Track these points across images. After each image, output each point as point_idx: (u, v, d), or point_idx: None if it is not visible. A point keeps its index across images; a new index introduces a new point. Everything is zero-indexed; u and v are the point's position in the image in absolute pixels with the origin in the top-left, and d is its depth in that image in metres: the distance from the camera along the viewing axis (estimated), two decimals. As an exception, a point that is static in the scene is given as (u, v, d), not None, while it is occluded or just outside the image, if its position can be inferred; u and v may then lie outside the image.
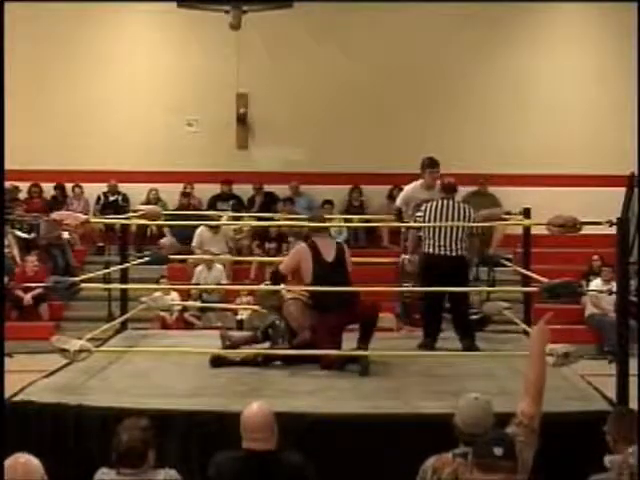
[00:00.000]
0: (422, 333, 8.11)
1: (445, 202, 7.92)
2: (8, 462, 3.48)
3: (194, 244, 13.53)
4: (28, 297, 12.97)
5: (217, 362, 6.99)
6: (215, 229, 13.43)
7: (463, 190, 13.83)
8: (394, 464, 5.32)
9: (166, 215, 11.62)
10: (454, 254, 7.81)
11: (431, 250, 7.84)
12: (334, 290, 6.87)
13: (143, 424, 4.10)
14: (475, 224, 8.09)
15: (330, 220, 7.90)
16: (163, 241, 14.01)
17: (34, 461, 3.50)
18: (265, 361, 7.00)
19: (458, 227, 7.79)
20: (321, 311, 7.01)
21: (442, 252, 7.80)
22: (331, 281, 6.91)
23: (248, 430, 4.22)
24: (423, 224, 7.92)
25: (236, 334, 7.93)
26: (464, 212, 7.93)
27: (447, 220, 7.79)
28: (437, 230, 7.78)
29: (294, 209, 14.34)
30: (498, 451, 3.35)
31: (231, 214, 13.59)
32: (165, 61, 15.44)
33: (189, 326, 12.53)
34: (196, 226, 13.19)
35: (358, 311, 7.04)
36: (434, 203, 7.96)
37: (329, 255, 7.12)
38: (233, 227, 13.87)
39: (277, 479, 4.21)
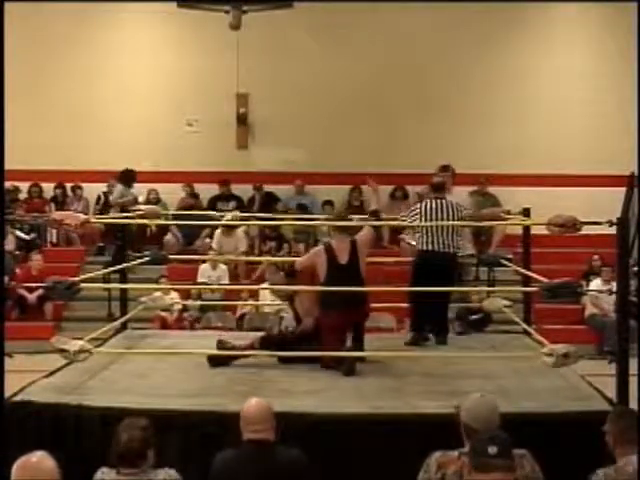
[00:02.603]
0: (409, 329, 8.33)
1: (437, 202, 8.15)
2: (20, 461, 3.44)
3: (214, 246, 13.63)
4: (33, 297, 12.97)
5: (215, 361, 6.99)
6: (229, 231, 13.51)
7: (464, 190, 13.96)
8: (394, 464, 5.32)
9: (169, 215, 11.64)
10: (448, 250, 8.07)
11: (425, 247, 8.07)
12: (343, 290, 6.94)
13: (142, 424, 4.10)
14: (468, 223, 8.32)
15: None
16: (168, 238, 14.10)
17: (46, 461, 3.44)
18: (262, 346, 7.04)
19: (450, 225, 8.04)
20: (331, 311, 7.04)
21: (435, 248, 8.04)
22: (343, 283, 6.99)
23: (247, 422, 4.33)
24: (419, 223, 8.14)
25: (235, 342, 7.78)
26: (455, 210, 8.16)
27: (440, 219, 8.03)
28: (431, 228, 8.00)
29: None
30: (492, 450, 3.34)
31: (236, 214, 13.63)
32: (165, 61, 15.45)
33: (189, 326, 12.54)
34: (201, 226, 13.32)
35: (366, 311, 7.24)
36: (426, 203, 8.22)
37: (343, 257, 7.19)
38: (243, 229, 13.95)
39: (276, 468, 4.26)
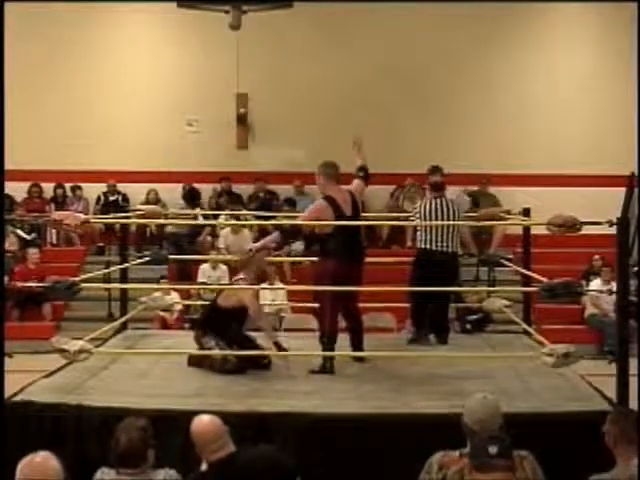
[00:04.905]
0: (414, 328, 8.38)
1: (437, 201, 8.26)
2: (24, 460, 3.45)
3: (221, 245, 13.64)
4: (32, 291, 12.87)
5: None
6: (236, 230, 13.51)
7: (465, 190, 13.98)
8: (394, 464, 5.32)
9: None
10: (449, 250, 8.14)
11: (427, 246, 8.15)
12: (351, 242, 7.06)
13: (141, 424, 4.08)
14: (467, 223, 8.39)
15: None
16: (201, 239, 14.16)
17: (50, 462, 3.45)
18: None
19: (451, 224, 8.12)
20: (337, 260, 6.95)
21: (436, 247, 8.11)
22: (350, 235, 7.04)
23: (206, 443, 4.17)
24: (418, 222, 8.26)
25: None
26: (454, 210, 8.25)
27: (440, 218, 8.11)
28: (430, 227, 8.08)
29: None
30: (493, 450, 3.35)
31: (230, 212, 13.65)
32: (165, 61, 15.45)
33: (190, 326, 12.53)
34: (200, 225, 13.37)
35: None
36: (427, 202, 8.34)
37: (347, 209, 7.13)
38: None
39: (250, 475, 4.18)
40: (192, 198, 14.08)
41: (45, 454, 3.49)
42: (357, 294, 7.37)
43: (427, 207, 8.24)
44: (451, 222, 8.10)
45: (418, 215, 8.27)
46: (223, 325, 7.00)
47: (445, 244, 8.11)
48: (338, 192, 7.19)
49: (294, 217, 11.93)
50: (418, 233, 8.36)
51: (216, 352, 6.99)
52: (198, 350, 7.07)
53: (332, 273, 6.92)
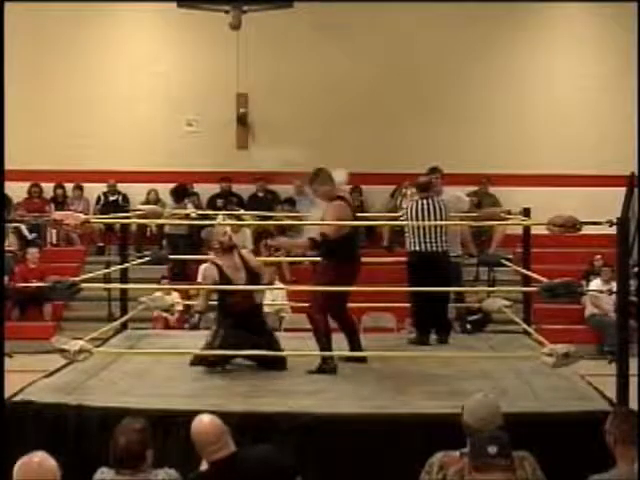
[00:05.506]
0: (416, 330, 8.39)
1: (424, 202, 8.21)
2: (22, 460, 3.47)
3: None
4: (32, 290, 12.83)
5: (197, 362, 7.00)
6: (236, 229, 13.45)
7: (464, 190, 13.94)
8: (394, 464, 5.32)
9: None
10: (439, 249, 8.10)
11: (416, 247, 8.11)
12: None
13: (139, 425, 4.07)
14: (465, 223, 8.41)
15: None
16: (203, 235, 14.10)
17: (49, 462, 3.47)
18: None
19: (438, 224, 8.10)
20: (344, 262, 6.96)
21: (426, 248, 8.08)
22: (357, 236, 7.21)
23: (206, 443, 4.15)
24: (407, 222, 8.25)
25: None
26: (441, 210, 8.20)
27: (427, 218, 8.08)
28: (419, 228, 8.05)
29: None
30: (492, 450, 3.34)
31: (227, 213, 13.62)
32: (165, 61, 15.45)
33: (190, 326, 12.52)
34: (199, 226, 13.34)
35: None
36: (414, 203, 8.29)
37: (353, 211, 7.25)
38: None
39: (250, 475, 4.18)
40: (183, 194, 14.05)
41: (42, 454, 3.50)
42: (349, 295, 7.37)
43: (414, 208, 8.21)
44: (438, 222, 8.04)
45: (405, 217, 8.27)
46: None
47: (435, 244, 8.07)
48: (345, 194, 7.29)
49: (299, 219, 12.07)
50: (406, 235, 8.30)
51: (217, 352, 7.01)
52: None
53: (341, 275, 6.91)
